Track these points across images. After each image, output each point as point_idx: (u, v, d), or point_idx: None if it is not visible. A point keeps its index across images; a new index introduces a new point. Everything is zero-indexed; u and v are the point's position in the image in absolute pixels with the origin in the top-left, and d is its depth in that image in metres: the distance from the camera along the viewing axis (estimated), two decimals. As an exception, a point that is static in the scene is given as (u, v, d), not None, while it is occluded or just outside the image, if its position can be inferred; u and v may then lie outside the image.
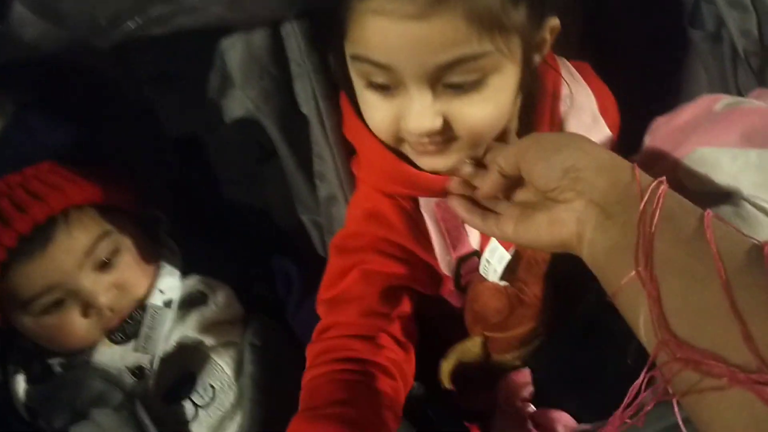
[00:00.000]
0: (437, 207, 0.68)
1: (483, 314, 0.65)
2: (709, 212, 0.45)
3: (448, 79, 0.56)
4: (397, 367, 0.67)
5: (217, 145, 0.87)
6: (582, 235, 0.50)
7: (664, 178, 0.48)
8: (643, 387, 0.44)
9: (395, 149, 0.66)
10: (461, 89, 0.57)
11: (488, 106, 0.59)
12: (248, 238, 0.87)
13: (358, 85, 0.62)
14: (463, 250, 0.69)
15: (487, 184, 0.59)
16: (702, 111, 0.66)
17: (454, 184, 0.63)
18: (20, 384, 0.76)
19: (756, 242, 0.43)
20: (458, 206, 0.61)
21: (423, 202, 0.68)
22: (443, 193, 0.65)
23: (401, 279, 0.69)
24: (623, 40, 0.83)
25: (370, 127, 0.64)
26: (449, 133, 0.60)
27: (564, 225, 0.50)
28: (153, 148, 0.87)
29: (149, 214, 0.83)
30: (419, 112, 0.57)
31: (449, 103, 0.58)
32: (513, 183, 0.58)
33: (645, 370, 0.44)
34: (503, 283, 0.64)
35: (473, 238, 0.69)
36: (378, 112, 0.61)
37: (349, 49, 0.59)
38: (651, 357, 0.43)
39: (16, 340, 0.78)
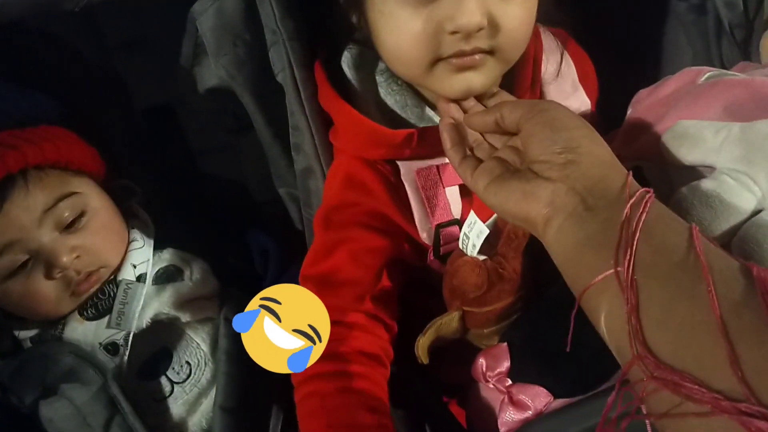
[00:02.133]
0: (417, 174, 0.67)
1: (461, 289, 0.64)
2: (695, 226, 0.43)
3: None
4: (386, 352, 0.67)
5: (191, 115, 0.85)
6: (551, 219, 0.48)
7: (651, 189, 0.47)
8: (619, 403, 0.42)
9: (371, 115, 0.65)
10: None
11: (525, 8, 0.60)
12: (224, 211, 0.85)
13: (386, 3, 0.59)
14: (442, 218, 0.69)
15: (478, 120, 0.58)
16: (685, 83, 0.65)
17: (448, 106, 0.62)
18: (-11, 358, 0.75)
19: (743, 262, 0.41)
20: (446, 132, 0.60)
21: (403, 170, 0.68)
22: (420, 153, 0.65)
23: (389, 252, 0.68)
24: (607, 10, 0.82)
25: (402, 49, 0.61)
26: (492, 37, 0.59)
27: (536, 201, 0.49)
28: (122, 118, 0.84)
29: (121, 184, 0.81)
30: (471, 7, 0.56)
31: (492, 4, 0.58)
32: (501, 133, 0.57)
33: (617, 384, 0.42)
34: (482, 257, 0.64)
35: (454, 206, 0.68)
36: (414, 24, 0.58)
37: None
38: (623, 371, 0.41)
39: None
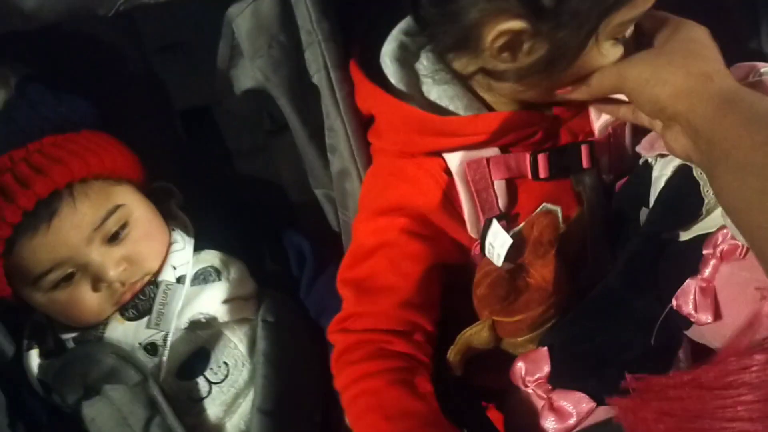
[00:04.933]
0: (468, 167, 0.66)
1: (487, 299, 0.63)
2: None
3: None
4: (426, 354, 0.67)
5: (228, 116, 0.85)
6: None
7: None
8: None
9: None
10: None
11: None
12: (260, 212, 0.85)
13: (605, 47, 0.59)
14: (491, 213, 0.67)
15: None
16: (738, 80, 0.62)
17: None
18: (34, 358, 0.76)
19: None
20: None
21: (452, 163, 0.66)
22: (474, 140, 0.64)
23: (430, 258, 0.68)
24: None
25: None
26: None
27: None
28: (160, 120, 0.85)
29: (161, 187, 0.82)
30: None
31: None
32: None
33: None
34: (507, 266, 0.62)
35: (501, 200, 0.67)
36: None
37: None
38: None
39: (30, 315, 0.78)
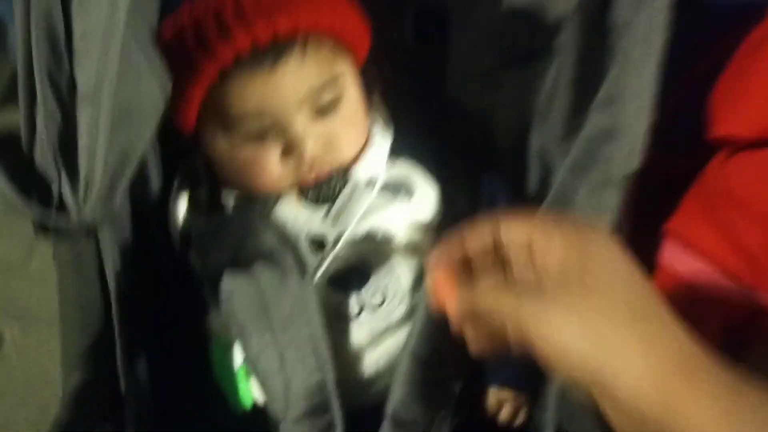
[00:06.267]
0: None
1: None
2: None
3: None
4: None
5: (465, 31, 0.75)
6: None
7: None
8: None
9: None
10: None
11: None
12: (466, 143, 0.75)
13: None
14: None
15: None
16: None
17: None
18: (182, 205, 0.68)
19: None
20: None
21: None
22: None
23: None
24: None
25: None
26: None
27: None
28: (395, 12, 0.76)
29: (371, 70, 0.72)
30: None
31: None
32: None
33: None
34: None
35: None
36: None
37: None
38: None
39: (191, 156, 0.70)
